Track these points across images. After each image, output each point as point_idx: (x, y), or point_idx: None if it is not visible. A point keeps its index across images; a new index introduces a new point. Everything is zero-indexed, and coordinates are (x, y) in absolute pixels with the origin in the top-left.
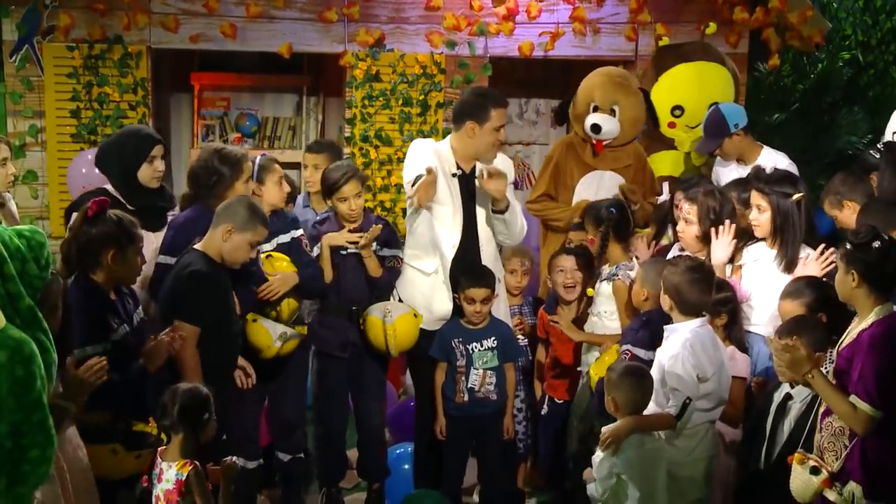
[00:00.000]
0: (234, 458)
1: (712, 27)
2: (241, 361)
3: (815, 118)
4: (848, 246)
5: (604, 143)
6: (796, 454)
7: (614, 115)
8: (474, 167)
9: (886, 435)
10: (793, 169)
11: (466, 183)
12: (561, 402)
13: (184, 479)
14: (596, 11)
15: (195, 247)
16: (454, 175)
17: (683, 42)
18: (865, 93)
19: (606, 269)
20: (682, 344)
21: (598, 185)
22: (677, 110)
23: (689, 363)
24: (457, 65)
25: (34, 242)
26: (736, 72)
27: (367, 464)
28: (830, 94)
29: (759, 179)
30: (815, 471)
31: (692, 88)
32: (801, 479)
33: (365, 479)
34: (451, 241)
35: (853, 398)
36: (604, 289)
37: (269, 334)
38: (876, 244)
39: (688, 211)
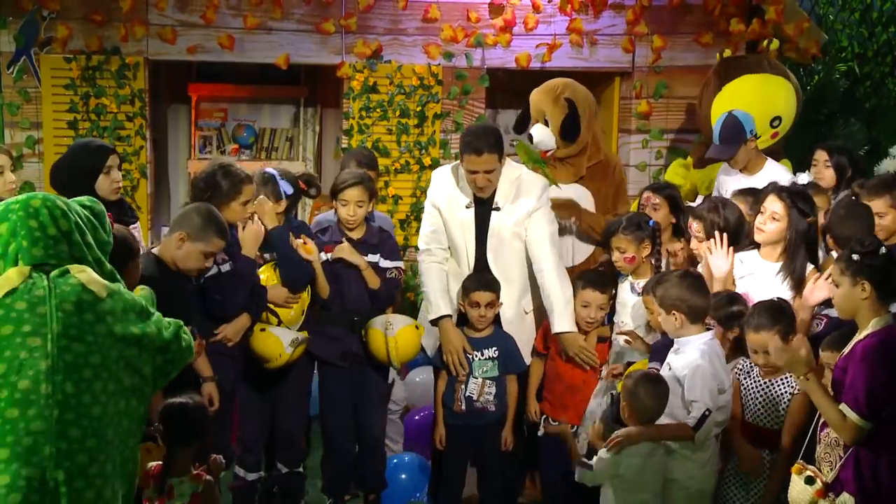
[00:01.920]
0: (219, 456)
1: (775, 43)
2: (209, 389)
3: (812, 129)
4: (854, 257)
5: (547, 153)
6: (796, 464)
7: (547, 125)
8: (492, 195)
9: (880, 447)
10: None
11: (482, 210)
12: (556, 422)
13: (200, 491)
14: (593, 23)
15: (152, 250)
16: (467, 207)
17: (749, 55)
18: (862, 104)
19: (637, 281)
20: (700, 355)
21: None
22: None
23: (709, 374)
24: (454, 76)
25: (97, 210)
26: (798, 88)
27: (366, 473)
28: (827, 106)
29: (781, 189)
30: (810, 481)
31: (755, 99)
32: (797, 490)
33: (362, 489)
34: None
35: (843, 407)
36: (637, 301)
37: (280, 342)
38: (883, 250)
39: (697, 229)
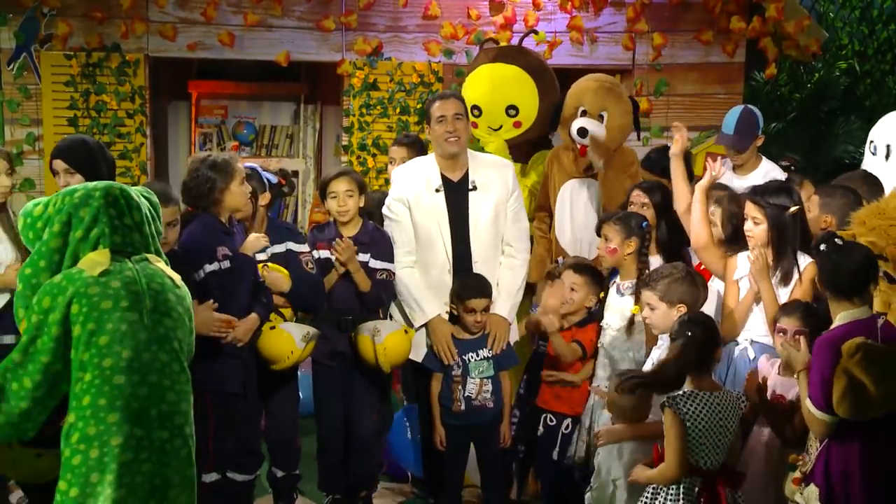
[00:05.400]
0: None
1: (541, 34)
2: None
3: (813, 127)
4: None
5: (588, 147)
6: (791, 455)
7: (602, 121)
8: (464, 175)
9: (850, 440)
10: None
11: (456, 193)
12: (554, 423)
13: None
14: (593, 21)
15: None
16: (437, 191)
17: (505, 45)
18: (862, 102)
19: (622, 282)
20: None
21: (577, 192)
22: (475, 110)
23: None
24: (454, 73)
25: (153, 202)
26: (547, 82)
27: (356, 472)
28: (827, 104)
29: (755, 192)
30: (792, 467)
31: (486, 88)
32: (788, 479)
33: (355, 486)
34: (444, 265)
35: (807, 401)
36: (622, 304)
37: (292, 338)
38: (822, 247)
39: (712, 213)
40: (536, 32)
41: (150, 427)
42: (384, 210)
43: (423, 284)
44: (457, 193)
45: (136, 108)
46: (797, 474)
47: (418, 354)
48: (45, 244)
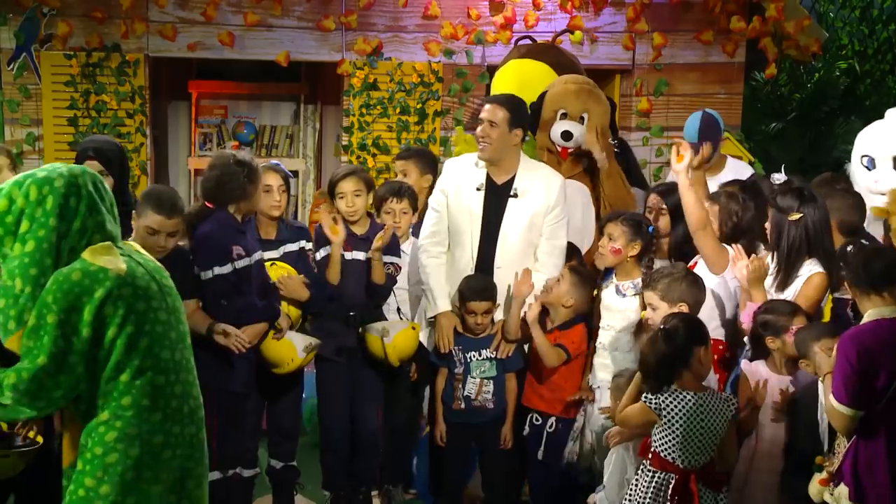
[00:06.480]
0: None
1: (578, 35)
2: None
3: (812, 127)
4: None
5: (569, 150)
6: (818, 457)
7: (583, 123)
8: (510, 180)
9: (876, 435)
10: None
11: (496, 196)
12: (539, 422)
13: None
14: (593, 20)
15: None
16: (478, 189)
17: (541, 43)
18: (862, 102)
19: (622, 283)
20: None
21: None
22: None
23: None
24: (454, 73)
25: None
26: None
27: (359, 469)
28: (827, 104)
29: (774, 185)
30: (819, 468)
31: (514, 85)
32: (813, 480)
33: (356, 484)
34: (468, 263)
35: (830, 397)
36: (625, 305)
37: (293, 347)
38: (850, 248)
39: (710, 213)
40: (572, 32)
41: (184, 423)
42: (430, 199)
43: (445, 279)
44: (496, 196)
45: (136, 108)
46: (823, 475)
47: (429, 347)
48: (44, 240)
